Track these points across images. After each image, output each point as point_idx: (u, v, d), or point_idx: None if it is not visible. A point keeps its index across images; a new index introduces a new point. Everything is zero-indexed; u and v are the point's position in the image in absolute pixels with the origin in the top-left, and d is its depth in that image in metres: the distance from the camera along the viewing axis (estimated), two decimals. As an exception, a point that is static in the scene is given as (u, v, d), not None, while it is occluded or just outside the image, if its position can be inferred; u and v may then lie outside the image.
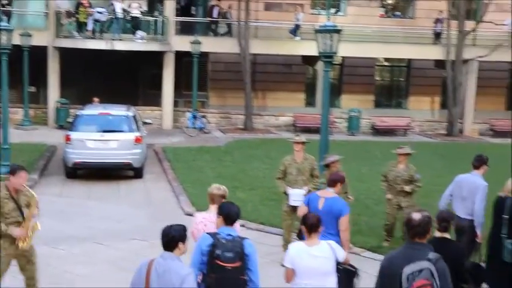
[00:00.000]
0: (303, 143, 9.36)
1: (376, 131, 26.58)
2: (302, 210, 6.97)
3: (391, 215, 9.96)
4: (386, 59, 29.59)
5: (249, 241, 5.41)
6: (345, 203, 7.03)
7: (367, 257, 9.09)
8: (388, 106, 29.74)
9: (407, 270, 4.34)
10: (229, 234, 5.35)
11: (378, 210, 11.80)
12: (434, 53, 26.96)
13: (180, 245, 4.81)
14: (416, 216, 4.60)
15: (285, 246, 9.15)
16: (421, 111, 28.95)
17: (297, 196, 9.11)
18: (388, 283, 4.55)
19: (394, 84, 30.59)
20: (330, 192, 6.95)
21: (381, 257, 9.10)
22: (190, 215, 11.68)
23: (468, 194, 8.05)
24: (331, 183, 7.02)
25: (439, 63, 27.18)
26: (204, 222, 6.18)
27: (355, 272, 5.75)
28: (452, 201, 8.38)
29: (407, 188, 9.64)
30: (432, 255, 4.44)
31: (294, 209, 9.23)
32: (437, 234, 5.72)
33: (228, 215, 5.44)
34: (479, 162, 8.31)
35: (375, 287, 4.84)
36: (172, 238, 4.79)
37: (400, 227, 9.93)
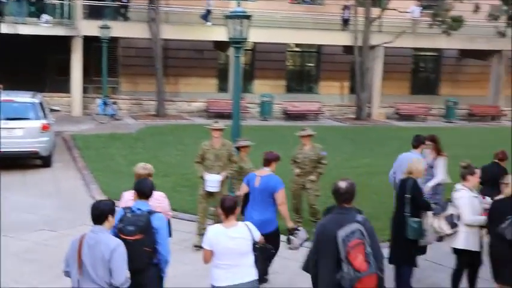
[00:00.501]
0: (221, 129, 9.39)
1: (288, 115, 27.02)
2: (243, 189, 7.51)
3: (296, 194, 10.14)
4: (297, 45, 30.07)
5: (158, 215, 5.64)
6: (280, 180, 7.41)
7: (282, 241, 9.23)
8: (300, 91, 30.30)
9: (342, 233, 4.91)
10: (139, 209, 5.60)
11: (291, 194, 12.00)
12: (342, 39, 27.65)
13: (110, 217, 5.14)
14: (343, 184, 5.19)
15: (200, 230, 9.18)
16: (331, 96, 29.68)
17: (212, 182, 9.16)
18: (323, 247, 5.07)
19: (305, 69, 31.17)
20: (265, 171, 7.44)
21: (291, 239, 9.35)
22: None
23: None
24: (266, 162, 7.51)
25: (348, 49, 27.93)
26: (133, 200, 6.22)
27: (271, 251, 5.93)
28: (395, 176, 9.22)
29: (312, 178, 9.88)
30: (360, 217, 5.06)
31: (210, 194, 9.27)
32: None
33: (140, 189, 5.77)
34: (417, 142, 9.45)
35: (309, 253, 5.37)
36: (102, 212, 5.10)
37: (307, 208, 10.18)
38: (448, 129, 25.59)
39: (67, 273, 5.21)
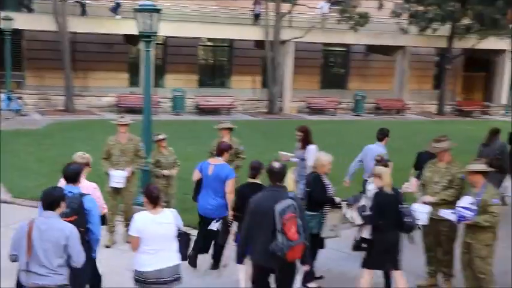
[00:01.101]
0: (126, 124, 9.25)
1: (201, 110, 26.96)
2: (196, 176, 7.94)
3: None
4: (209, 39, 30.02)
5: (89, 197, 6.03)
6: (231, 169, 7.93)
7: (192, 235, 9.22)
8: (212, 85, 30.30)
9: (279, 207, 5.69)
10: (70, 192, 5.92)
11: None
12: (254, 33, 27.88)
13: (62, 204, 5.38)
14: (276, 164, 6.08)
15: (110, 228, 9.01)
16: (243, 90, 29.87)
17: (118, 178, 9.04)
18: (260, 220, 5.82)
19: (217, 64, 31.17)
20: (218, 160, 7.90)
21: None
22: (7, 202, 11.02)
23: (371, 161, 9.24)
24: (219, 152, 7.96)
25: (259, 44, 28.19)
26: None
27: (189, 236, 6.13)
28: (363, 165, 9.94)
29: (239, 163, 9.93)
30: (291, 194, 5.97)
31: (117, 190, 9.13)
32: (250, 180, 7.13)
33: (65, 174, 6.18)
34: (382, 134, 9.90)
35: (244, 227, 6.10)
36: (55, 198, 5.32)
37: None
38: (357, 123, 26.44)
39: (13, 257, 5.35)
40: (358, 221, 7.21)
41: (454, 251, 7.61)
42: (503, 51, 32.24)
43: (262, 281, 6.18)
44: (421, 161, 9.34)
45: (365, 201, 7.24)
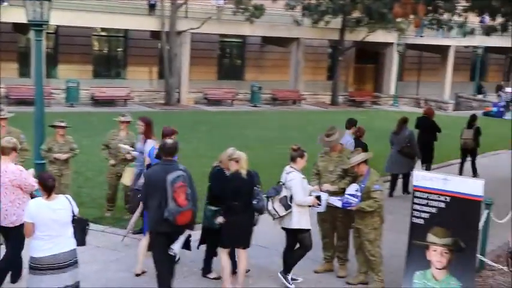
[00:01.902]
0: (5, 118, 9.08)
1: (96, 101, 26.30)
2: (147, 161, 8.24)
3: (111, 184, 10.05)
4: (103, 29, 29.28)
5: None
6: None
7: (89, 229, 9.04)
8: (107, 76, 29.62)
9: (170, 177, 6.31)
10: None
11: (99, 181, 11.81)
12: (149, 24, 27.51)
13: None
14: (169, 140, 6.83)
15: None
16: (139, 81, 29.43)
17: None
18: (153, 189, 6.44)
19: (112, 54, 30.50)
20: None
21: (104, 228, 9.26)
22: None
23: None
24: (164, 136, 8.08)
25: (155, 34, 27.85)
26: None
27: (86, 222, 6.17)
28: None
29: (128, 156, 9.82)
30: (182, 167, 6.56)
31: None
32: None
33: None
34: (350, 123, 10.66)
35: (141, 198, 6.82)
36: None
37: (121, 196, 10.10)
38: (254, 113, 26.83)
39: None
40: (282, 212, 7.26)
41: (349, 236, 7.95)
42: (391, 44, 33.82)
43: (159, 247, 6.59)
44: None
45: (285, 192, 7.29)
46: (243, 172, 7.06)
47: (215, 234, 7.26)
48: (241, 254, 7.21)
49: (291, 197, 7.30)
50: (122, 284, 7.31)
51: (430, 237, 7.32)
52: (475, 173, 14.23)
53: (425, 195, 7.41)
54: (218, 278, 7.42)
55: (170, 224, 6.35)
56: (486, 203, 8.26)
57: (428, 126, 12.97)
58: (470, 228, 7.17)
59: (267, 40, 32.06)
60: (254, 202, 7.01)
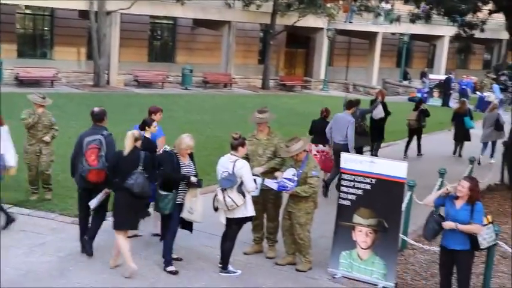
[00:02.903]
0: None
1: (21, 82, 25.41)
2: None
3: (32, 165, 9.78)
4: (27, 7, 28.22)
5: None
6: (160, 130, 8.55)
7: (14, 212, 8.81)
8: (33, 56, 28.64)
9: (87, 139, 7.43)
10: None
11: (22, 163, 11.46)
12: (77, 3, 26.67)
13: None
14: (96, 108, 7.77)
15: None
16: (67, 62, 28.62)
17: None
18: (78, 148, 7.54)
19: (37, 33, 29.49)
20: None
21: (29, 211, 9.03)
22: None
23: (343, 126, 11.27)
24: (151, 114, 8.64)
25: (83, 14, 27.11)
26: None
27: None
28: (332, 131, 11.44)
29: (46, 138, 9.61)
30: (105, 133, 7.45)
31: None
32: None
33: None
34: (350, 104, 11.85)
35: (72, 155, 7.69)
36: None
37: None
38: (185, 96, 26.64)
39: None
40: (240, 201, 7.16)
41: (279, 218, 8.07)
42: (321, 29, 34.26)
43: (81, 200, 7.69)
44: (315, 126, 11.97)
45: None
46: (126, 151, 7.07)
47: (167, 217, 7.25)
48: (120, 236, 7.10)
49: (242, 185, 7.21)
50: (47, 268, 7.17)
51: (356, 218, 7.58)
52: (419, 152, 16.05)
53: (352, 177, 7.64)
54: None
55: (84, 180, 7.39)
56: (409, 184, 8.59)
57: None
58: (394, 209, 7.46)
59: (198, 23, 31.81)
60: (127, 181, 6.90)
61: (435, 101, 30.00)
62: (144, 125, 8.19)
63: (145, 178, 6.98)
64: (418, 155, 16.02)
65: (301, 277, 7.52)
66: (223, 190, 7.15)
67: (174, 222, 7.29)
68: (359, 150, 12.83)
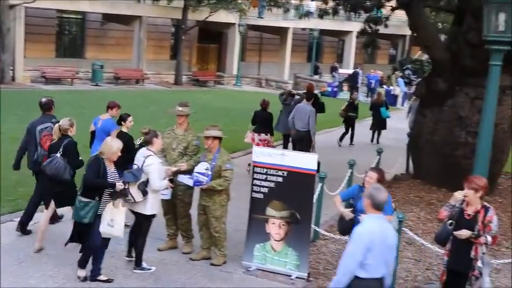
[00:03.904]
0: None
1: None
2: (91, 128, 9.23)
3: None
4: None
5: None
6: (114, 123, 9.04)
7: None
8: None
9: (39, 127, 8.10)
10: None
11: None
12: (-22, -4, 25.46)
13: None
14: (44, 99, 8.48)
15: None
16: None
17: None
18: (28, 138, 8.20)
19: None
20: (106, 115, 9.36)
21: None
22: None
23: (304, 115, 12.54)
24: (108, 108, 9.39)
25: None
26: None
27: None
28: (294, 120, 12.60)
29: None
30: (54, 120, 7.96)
31: None
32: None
33: None
34: (309, 95, 13.14)
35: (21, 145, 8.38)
36: None
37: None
38: (95, 93, 26.00)
39: None
40: (139, 198, 7.00)
41: (190, 213, 8.05)
42: (232, 24, 34.41)
43: (38, 184, 8.16)
44: (257, 117, 13.06)
45: (143, 177, 7.04)
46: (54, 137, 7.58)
47: (85, 227, 6.75)
48: (47, 212, 7.75)
49: (147, 182, 7.08)
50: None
51: (269, 211, 7.69)
52: (351, 141, 17.75)
53: (265, 171, 7.75)
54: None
55: (39, 164, 7.75)
56: (320, 176, 8.81)
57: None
58: (306, 200, 7.62)
59: (108, 17, 31.12)
60: (43, 163, 7.46)
61: (345, 94, 30.89)
62: (121, 120, 8.84)
63: (60, 162, 7.30)
64: (350, 144, 17.76)
65: (215, 271, 7.54)
66: (125, 183, 6.93)
67: (94, 235, 6.76)
68: (288, 137, 13.89)
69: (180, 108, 8.05)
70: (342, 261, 5.11)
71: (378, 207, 5.07)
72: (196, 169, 7.61)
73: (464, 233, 5.86)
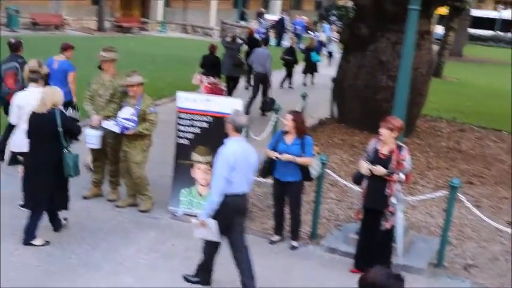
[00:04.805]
0: None
1: None
2: (44, 70, 8.00)
3: None
4: None
5: None
6: (71, 64, 9.59)
7: None
8: None
9: (4, 66, 8.70)
10: None
11: None
12: None
13: None
14: (13, 40, 9.14)
15: None
16: None
17: None
18: None
19: None
20: (61, 57, 9.61)
21: None
22: None
23: (262, 59, 14.21)
24: (62, 50, 9.63)
25: None
26: None
27: None
28: (253, 64, 14.50)
29: None
30: (21, 60, 8.71)
31: None
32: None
33: None
34: (265, 40, 16.06)
35: None
36: None
37: None
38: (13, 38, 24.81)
39: None
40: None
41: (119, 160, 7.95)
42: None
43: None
44: (205, 60, 14.13)
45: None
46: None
47: None
48: None
49: None
50: None
51: (195, 156, 7.71)
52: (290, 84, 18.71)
53: (189, 116, 7.72)
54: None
55: (3, 100, 8.41)
56: (245, 121, 8.86)
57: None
58: (231, 145, 7.67)
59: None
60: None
61: (272, 40, 30.86)
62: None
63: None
64: (289, 87, 18.62)
65: (142, 218, 7.55)
66: None
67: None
68: (236, 80, 15.09)
69: (103, 54, 7.87)
70: (212, 183, 5.65)
71: (238, 130, 5.71)
72: (121, 115, 7.49)
73: (378, 169, 6.10)
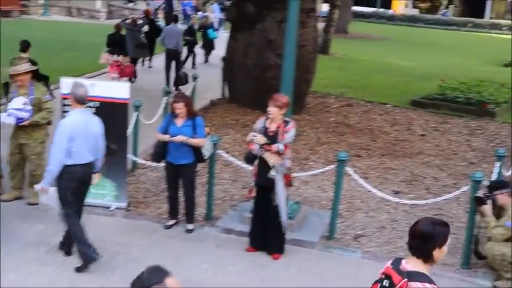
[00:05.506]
0: None
1: None
2: None
3: None
4: None
5: None
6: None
7: None
8: None
9: None
10: None
11: None
12: None
13: None
14: None
15: None
16: None
17: None
18: None
19: None
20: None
21: None
22: None
23: (173, 36, 15.03)
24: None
25: None
26: None
27: None
28: (164, 40, 15.19)
29: None
30: None
31: None
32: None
33: None
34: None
35: None
36: None
37: None
38: None
39: None
40: None
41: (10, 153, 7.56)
42: None
43: None
44: (111, 39, 14.37)
45: None
46: None
47: None
48: None
49: None
50: None
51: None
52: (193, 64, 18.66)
53: (74, 103, 7.43)
54: None
55: None
56: (135, 105, 8.69)
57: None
58: (120, 131, 7.50)
59: None
60: None
61: (160, 22, 30.35)
62: None
63: None
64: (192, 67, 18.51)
65: (29, 210, 7.27)
66: None
67: None
68: (135, 61, 15.67)
69: (14, 68, 7.36)
70: (50, 153, 5.72)
71: (80, 101, 5.84)
72: (12, 105, 7.10)
73: (259, 138, 6.18)
